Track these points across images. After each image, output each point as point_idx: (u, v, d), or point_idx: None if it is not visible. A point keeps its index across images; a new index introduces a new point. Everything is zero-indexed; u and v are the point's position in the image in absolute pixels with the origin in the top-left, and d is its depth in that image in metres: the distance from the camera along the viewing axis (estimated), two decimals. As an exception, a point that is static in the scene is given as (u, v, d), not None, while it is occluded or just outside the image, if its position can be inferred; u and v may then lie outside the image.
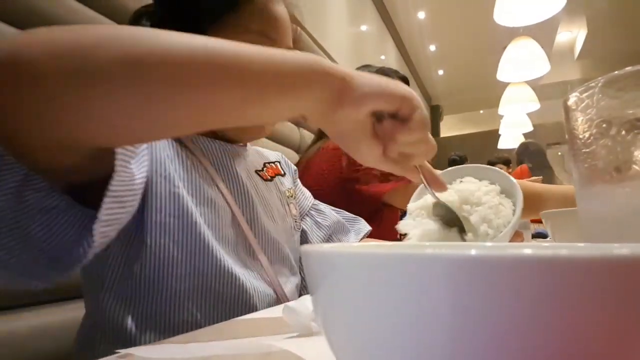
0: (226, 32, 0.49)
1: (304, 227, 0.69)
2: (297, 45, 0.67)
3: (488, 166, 0.57)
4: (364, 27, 4.03)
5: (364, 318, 0.14)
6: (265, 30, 0.50)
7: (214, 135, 0.57)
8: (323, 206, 0.74)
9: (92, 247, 0.30)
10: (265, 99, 0.31)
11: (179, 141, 0.51)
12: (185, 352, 0.30)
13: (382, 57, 4.59)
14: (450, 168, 0.57)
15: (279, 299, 0.54)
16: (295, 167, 0.74)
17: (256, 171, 0.62)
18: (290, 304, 0.34)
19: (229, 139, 0.58)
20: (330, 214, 0.73)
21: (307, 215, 0.71)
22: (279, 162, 0.70)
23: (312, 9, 2.47)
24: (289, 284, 0.58)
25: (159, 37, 0.28)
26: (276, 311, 0.44)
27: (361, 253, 0.14)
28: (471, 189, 0.51)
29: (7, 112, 0.26)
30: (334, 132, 0.36)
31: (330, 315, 0.16)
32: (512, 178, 0.54)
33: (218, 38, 0.30)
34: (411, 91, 0.36)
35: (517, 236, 0.53)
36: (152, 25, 0.54)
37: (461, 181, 0.54)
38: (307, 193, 0.75)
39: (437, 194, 0.46)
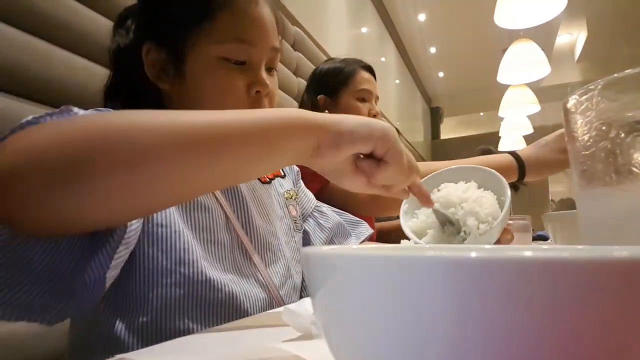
0: (205, 41, 0.49)
1: (306, 228, 0.69)
2: (296, 47, 0.67)
3: (460, 166, 0.60)
4: (364, 29, 4.04)
5: (364, 320, 0.14)
6: (244, 37, 0.50)
7: None
8: (325, 208, 0.74)
9: (104, 289, 0.32)
10: (252, 164, 0.34)
11: None
12: (183, 356, 0.30)
13: (383, 59, 4.59)
14: (427, 177, 0.59)
15: (273, 301, 0.54)
16: (297, 169, 0.74)
17: None
18: (291, 306, 0.34)
19: None
20: (333, 216, 0.73)
21: (310, 217, 0.71)
22: None
23: (313, 11, 2.47)
24: (286, 285, 0.58)
25: (149, 122, 0.29)
26: (276, 314, 0.43)
27: (361, 255, 0.14)
28: (450, 192, 0.54)
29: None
30: (317, 169, 0.39)
31: (330, 318, 0.16)
32: (485, 169, 0.56)
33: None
34: (384, 130, 0.38)
35: (506, 232, 0.54)
36: (136, 33, 0.53)
37: (438, 190, 0.57)
38: (310, 195, 0.75)
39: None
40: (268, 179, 0.65)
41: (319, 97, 1.12)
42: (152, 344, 0.43)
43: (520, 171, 0.79)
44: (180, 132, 0.30)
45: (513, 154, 0.80)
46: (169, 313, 0.45)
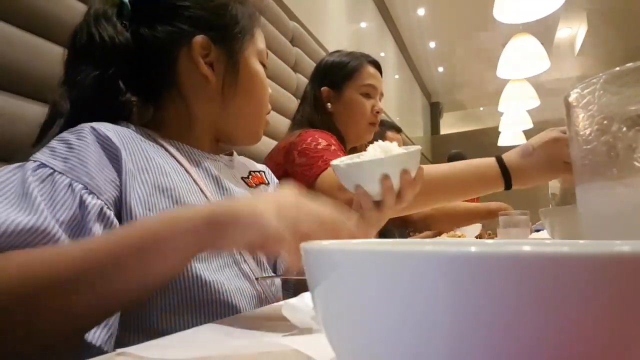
0: (249, 48, 0.60)
1: None
2: (295, 42, 0.73)
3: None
4: (363, 24, 4.02)
5: (364, 314, 0.14)
6: (264, 49, 0.63)
7: (209, 147, 0.60)
8: None
9: None
10: (159, 263, 0.36)
11: (164, 149, 0.54)
12: (184, 350, 0.30)
13: (382, 54, 4.58)
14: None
15: (265, 299, 0.55)
16: (277, 181, 0.75)
17: (242, 178, 0.64)
18: (291, 301, 0.34)
19: (221, 148, 0.63)
20: None
21: None
22: (264, 172, 0.72)
23: (311, 6, 2.46)
24: (275, 283, 0.59)
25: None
26: (276, 308, 0.44)
27: (361, 250, 0.14)
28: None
29: None
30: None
31: (330, 312, 0.16)
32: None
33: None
34: (263, 232, 0.36)
35: (404, 172, 0.60)
36: (181, 23, 0.56)
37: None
38: None
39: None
40: (254, 185, 0.66)
41: (322, 89, 1.10)
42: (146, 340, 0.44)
43: (506, 181, 0.76)
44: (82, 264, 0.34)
45: (499, 161, 0.76)
46: (163, 317, 0.45)
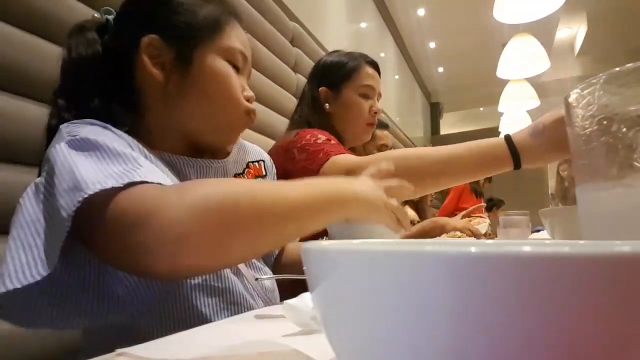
0: (212, 47, 0.56)
1: None
2: (295, 43, 0.72)
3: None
4: (363, 24, 4.02)
5: (364, 315, 0.14)
6: (240, 49, 0.58)
7: (191, 152, 0.58)
8: None
9: None
10: (311, 225, 0.44)
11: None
12: (184, 350, 0.30)
13: (382, 54, 4.58)
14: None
15: (255, 294, 0.56)
16: (274, 170, 0.74)
17: (236, 175, 0.64)
18: (291, 301, 0.34)
19: (207, 152, 0.60)
20: None
21: None
22: (264, 161, 0.70)
23: (311, 7, 2.46)
24: (266, 282, 0.60)
25: (270, 193, 0.41)
26: (276, 308, 0.44)
27: (361, 250, 0.14)
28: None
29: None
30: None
31: (330, 312, 0.16)
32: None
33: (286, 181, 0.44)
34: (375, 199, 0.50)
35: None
36: (129, 27, 0.56)
37: None
38: None
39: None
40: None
41: (320, 89, 1.09)
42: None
43: (514, 160, 0.73)
44: (284, 204, 0.41)
45: (508, 140, 0.74)
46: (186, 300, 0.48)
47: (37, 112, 0.69)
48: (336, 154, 0.87)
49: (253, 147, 0.71)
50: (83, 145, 0.41)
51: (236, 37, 0.58)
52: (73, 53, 0.53)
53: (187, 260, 0.36)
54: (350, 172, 0.78)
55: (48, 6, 0.72)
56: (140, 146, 0.50)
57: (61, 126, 0.46)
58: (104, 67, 0.54)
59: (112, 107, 0.55)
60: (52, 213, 0.37)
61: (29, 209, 0.39)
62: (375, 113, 1.11)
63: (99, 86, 0.54)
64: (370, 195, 0.49)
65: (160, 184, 0.39)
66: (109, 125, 0.47)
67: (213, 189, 0.38)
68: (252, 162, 0.68)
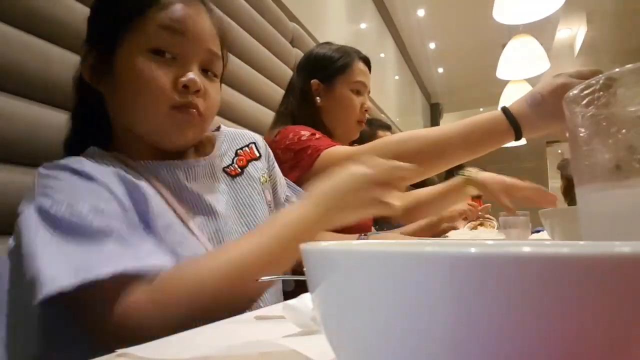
0: (135, 36, 0.51)
1: None
2: (295, 43, 0.71)
3: None
4: (363, 25, 4.02)
5: (364, 315, 0.14)
6: (172, 25, 0.52)
7: (163, 156, 0.56)
8: (295, 198, 0.74)
9: None
10: (281, 265, 0.49)
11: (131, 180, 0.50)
12: (184, 351, 0.30)
13: (382, 54, 4.58)
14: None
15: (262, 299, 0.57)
16: (273, 157, 0.72)
17: (224, 169, 0.62)
18: (291, 301, 0.34)
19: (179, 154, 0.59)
20: None
21: (281, 206, 0.71)
22: (255, 142, 0.68)
23: (311, 7, 2.46)
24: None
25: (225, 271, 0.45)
26: (276, 308, 0.43)
27: (362, 251, 0.14)
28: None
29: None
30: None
31: (330, 313, 0.16)
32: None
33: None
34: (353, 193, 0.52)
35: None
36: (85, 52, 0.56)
37: None
38: (284, 182, 0.73)
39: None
40: (239, 169, 0.63)
41: (312, 81, 1.06)
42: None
43: (516, 131, 0.70)
44: (236, 268, 0.45)
45: (506, 112, 0.72)
46: None
47: (37, 113, 0.69)
48: (327, 147, 0.84)
49: (241, 133, 0.68)
50: (52, 222, 0.42)
51: (167, 17, 0.51)
52: (78, 74, 0.56)
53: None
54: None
55: (48, 6, 0.72)
56: (120, 170, 0.50)
57: (39, 169, 0.47)
58: (81, 83, 0.56)
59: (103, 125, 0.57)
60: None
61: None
62: (366, 110, 1.09)
63: (93, 106, 0.56)
64: (336, 201, 0.51)
65: (121, 273, 0.39)
66: (84, 168, 0.47)
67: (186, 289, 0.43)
68: (241, 148, 0.66)
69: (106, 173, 0.48)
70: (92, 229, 0.41)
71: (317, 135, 0.90)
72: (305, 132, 0.89)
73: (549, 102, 0.68)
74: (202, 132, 0.58)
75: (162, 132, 0.54)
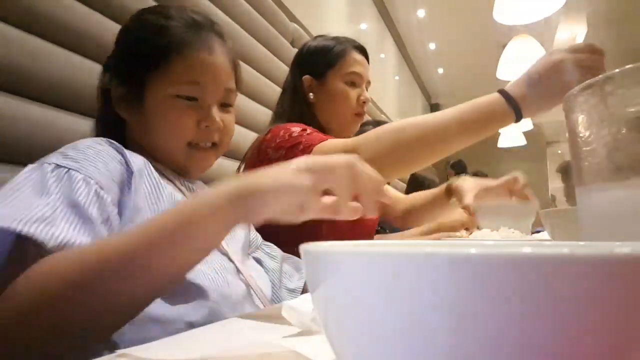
0: (161, 80, 0.55)
1: (258, 256, 0.69)
2: (295, 44, 0.71)
3: None
4: (363, 26, 4.02)
5: (364, 316, 0.14)
6: (195, 79, 0.56)
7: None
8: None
9: None
10: (197, 244, 0.38)
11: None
12: (183, 351, 0.30)
13: (382, 55, 4.58)
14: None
15: (252, 293, 0.56)
16: None
17: None
18: (290, 302, 0.34)
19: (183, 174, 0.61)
20: (278, 250, 0.73)
21: (259, 249, 0.72)
22: None
23: (312, 8, 2.46)
24: (260, 279, 0.61)
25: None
26: (276, 309, 0.43)
27: (362, 251, 0.14)
28: None
29: None
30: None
31: (330, 314, 0.16)
32: None
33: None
34: (296, 194, 0.38)
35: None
36: (112, 76, 0.59)
37: None
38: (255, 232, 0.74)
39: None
40: None
41: (304, 77, 1.01)
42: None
43: (516, 112, 0.69)
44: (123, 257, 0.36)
45: (504, 94, 0.70)
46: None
47: (37, 113, 0.69)
48: (319, 142, 0.80)
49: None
50: (53, 175, 0.42)
51: (189, 69, 0.56)
52: (100, 82, 0.59)
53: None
54: None
55: (48, 6, 0.72)
56: (150, 168, 0.52)
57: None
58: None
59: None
60: None
61: None
62: (364, 102, 1.02)
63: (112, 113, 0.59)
64: (269, 179, 0.38)
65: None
66: (118, 148, 0.49)
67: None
68: None
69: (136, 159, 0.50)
70: (77, 203, 0.40)
71: (309, 131, 0.86)
72: (295, 129, 0.86)
73: (547, 81, 0.67)
74: (215, 161, 0.63)
75: (178, 164, 0.59)
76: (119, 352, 0.29)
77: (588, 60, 0.65)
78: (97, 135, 0.59)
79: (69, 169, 0.42)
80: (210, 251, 0.40)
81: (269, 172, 0.39)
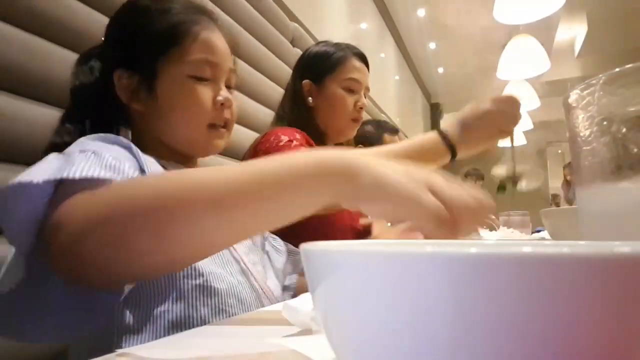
0: (174, 63, 0.56)
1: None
2: (295, 43, 0.72)
3: None
4: (363, 25, 4.02)
5: (365, 315, 0.14)
6: (208, 57, 0.57)
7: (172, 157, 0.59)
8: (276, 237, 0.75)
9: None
10: (284, 207, 0.36)
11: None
12: (184, 351, 0.30)
13: (382, 55, 4.57)
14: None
15: (262, 294, 0.56)
16: None
17: None
18: (291, 302, 0.34)
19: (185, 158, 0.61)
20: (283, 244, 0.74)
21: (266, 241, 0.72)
22: None
23: (312, 7, 2.46)
24: (269, 279, 0.61)
25: (203, 180, 0.35)
26: (276, 309, 0.44)
27: (362, 251, 0.14)
28: None
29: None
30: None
31: (330, 313, 0.16)
32: None
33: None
34: (418, 195, 0.33)
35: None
36: (103, 66, 0.58)
37: None
38: None
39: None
40: None
41: (303, 82, 1.04)
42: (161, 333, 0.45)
43: (452, 153, 0.75)
44: (228, 187, 0.35)
45: (443, 136, 0.76)
46: (184, 301, 0.47)
47: (37, 113, 0.69)
48: None
49: None
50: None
51: (200, 47, 0.56)
52: (77, 81, 0.58)
53: (89, 260, 0.34)
54: None
55: (48, 6, 0.72)
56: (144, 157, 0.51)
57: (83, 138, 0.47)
58: (102, 93, 0.57)
59: (114, 127, 0.59)
60: None
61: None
62: (361, 108, 1.05)
63: (101, 109, 0.57)
64: (397, 177, 0.33)
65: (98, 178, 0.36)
66: (129, 146, 0.48)
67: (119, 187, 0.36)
68: None
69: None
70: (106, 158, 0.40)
71: (295, 143, 0.88)
72: (284, 137, 0.88)
73: (478, 128, 0.76)
74: (227, 141, 0.64)
75: (198, 145, 0.60)
76: (119, 351, 0.29)
77: (509, 109, 0.75)
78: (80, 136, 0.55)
79: (94, 151, 0.41)
80: (294, 217, 0.37)
81: (394, 167, 0.35)
